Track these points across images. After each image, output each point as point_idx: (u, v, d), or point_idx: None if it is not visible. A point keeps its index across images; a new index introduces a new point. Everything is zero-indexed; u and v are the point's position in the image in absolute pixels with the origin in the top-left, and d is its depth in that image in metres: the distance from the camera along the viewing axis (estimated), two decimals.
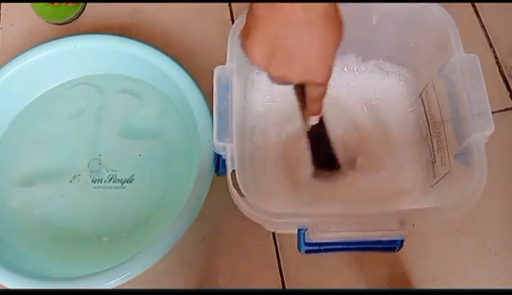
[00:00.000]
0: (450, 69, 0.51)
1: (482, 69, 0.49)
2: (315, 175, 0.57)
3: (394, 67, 0.62)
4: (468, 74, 0.49)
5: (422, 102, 0.59)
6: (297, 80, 0.42)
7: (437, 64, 0.53)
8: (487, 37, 0.73)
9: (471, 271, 0.60)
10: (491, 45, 0.73)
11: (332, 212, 0.53)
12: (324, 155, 0.56)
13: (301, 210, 0.54)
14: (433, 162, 0.55)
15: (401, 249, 0.46)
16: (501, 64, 0.72)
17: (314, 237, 0.45)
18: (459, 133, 0.49)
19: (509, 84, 0.70)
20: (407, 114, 0.60)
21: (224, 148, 0.47)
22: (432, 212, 0.47)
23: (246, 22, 0.40)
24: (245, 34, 0.40)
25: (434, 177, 0.55)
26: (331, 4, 0.37)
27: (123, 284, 0.51)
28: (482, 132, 0.46)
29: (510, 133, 0.67)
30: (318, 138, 0.54)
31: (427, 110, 0.58)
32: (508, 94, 0.70)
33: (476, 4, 0.76)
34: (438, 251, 0.61)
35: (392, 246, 0.47)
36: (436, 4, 0.52)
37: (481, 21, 0.75)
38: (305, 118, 0.50)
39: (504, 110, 0.69)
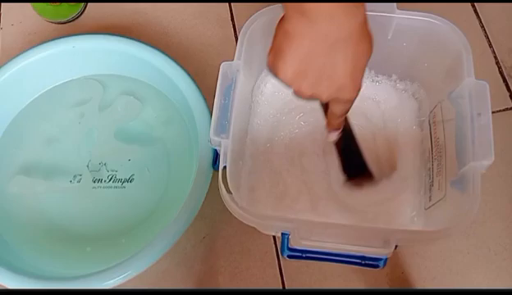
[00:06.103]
0: (459, 93, 0.50)
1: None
2: (347, 184, 0.55)
3: (405, 85, 0.60)
4: (476, 101, 0.47)
5: (429, 124, 0.57)
6: (327, 98, 0.40)
7: (448, 87, 0.52)
8: (487, 37, 0.73)
9: (471, 271, 0.60)
10: (490, 45, 0.73)
11: (315, 220, 0.52)
12: (354, 164, 0.55)
13: (295, 215, 0.54)
14: (431, 185, 0.54)
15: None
16: (501, 64, 0.72)
17: (295, 243, 0.44)
18: (460, 159, 0.48)
19: (509, 84, 0.70)
20: (413, 133, 0.59)
21: (219, 143, 0.47)
22: (415, 235, 0.46)
23: (275, 40, 0.39)
24: (276, 53, 0.39)
25: (430, 200, 0.54)
26: (365, 19, 0.37)
27: (122, 284, 0.51)
28: (480, 161, 0.45)
29: (510, 133, 0.67)
30: (347, 148, 0.53)
31: (432, 131, 0.56)
32: (508, 94, 0.70)
33: (476, 4, 0.76)
34: (438, 251, 0.61)
35: (375, 263, 0.45)
36: (453, 25, 0.51)
37: (481, 21, 0.75)
38: (327, 133, 0.50)
39: (504, 110, 0.69)
